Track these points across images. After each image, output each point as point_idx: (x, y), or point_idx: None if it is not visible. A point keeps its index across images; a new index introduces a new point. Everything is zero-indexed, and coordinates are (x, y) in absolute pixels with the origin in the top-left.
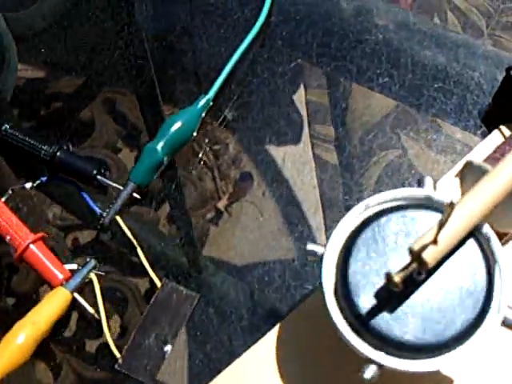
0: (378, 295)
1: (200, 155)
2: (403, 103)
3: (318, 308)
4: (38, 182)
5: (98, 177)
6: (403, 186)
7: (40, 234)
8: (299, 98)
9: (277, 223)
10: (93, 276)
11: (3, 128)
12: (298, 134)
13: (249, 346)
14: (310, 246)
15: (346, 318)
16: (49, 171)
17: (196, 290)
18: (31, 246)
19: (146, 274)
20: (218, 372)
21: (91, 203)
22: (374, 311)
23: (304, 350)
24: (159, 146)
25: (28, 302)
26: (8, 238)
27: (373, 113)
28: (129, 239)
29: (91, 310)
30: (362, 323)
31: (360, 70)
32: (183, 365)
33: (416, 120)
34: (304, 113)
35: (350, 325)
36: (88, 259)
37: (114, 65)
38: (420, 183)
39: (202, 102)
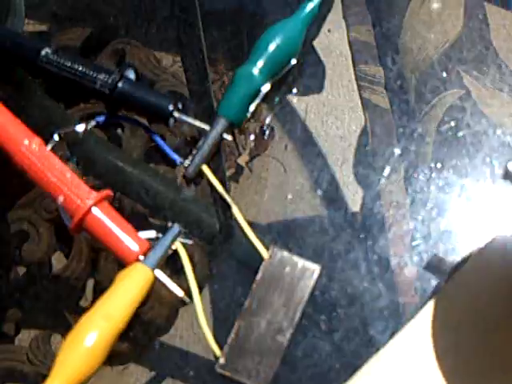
0: None
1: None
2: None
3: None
4: (92, 123)
5: (176, 114)
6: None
7: (105, 192)
8: (319, 43)
9: (301, 178)
10: (178, 245)
11: (43, 53)
12: (320, 83)
13: (393, 333)
14: None
15: None
16: (107, 108)
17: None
18: (93, 208)
19: None
20: (354, 369)
21: (167, 149)
22: None
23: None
24: (256, 70)
25: (40, 271)
26: (61, 199)
27: (428, 49)
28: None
29: (181, 292)
30: None
31: None
32: (304, 361)
33: (480, 57)
34: (325, 59)
35: None
36: (169, 223)
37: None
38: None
39: (310, 6)
